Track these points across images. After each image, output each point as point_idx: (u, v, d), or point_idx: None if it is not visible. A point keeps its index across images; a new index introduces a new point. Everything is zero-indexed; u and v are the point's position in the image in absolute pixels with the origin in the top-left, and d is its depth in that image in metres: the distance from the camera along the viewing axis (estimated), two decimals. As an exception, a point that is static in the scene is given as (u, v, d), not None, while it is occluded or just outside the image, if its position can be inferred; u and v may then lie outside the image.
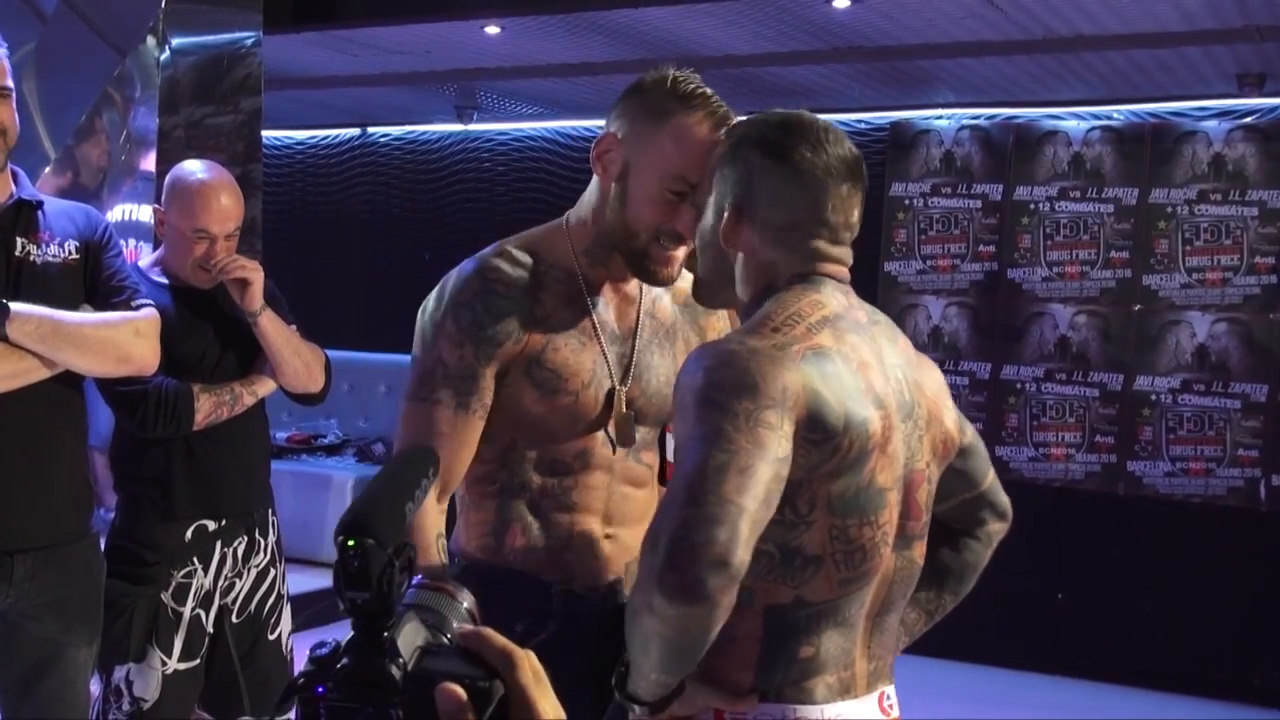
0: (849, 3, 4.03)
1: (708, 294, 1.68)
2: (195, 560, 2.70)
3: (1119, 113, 5.23)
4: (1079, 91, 5.14)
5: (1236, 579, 5.02)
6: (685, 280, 1.91)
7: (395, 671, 0.79)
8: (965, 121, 5.44)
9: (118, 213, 3.78)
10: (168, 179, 2.78)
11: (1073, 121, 5.28)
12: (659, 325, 1.94)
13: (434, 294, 1.84)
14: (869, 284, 5.35)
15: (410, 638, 0.82)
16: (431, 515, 1.74)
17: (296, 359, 2.75)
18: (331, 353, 2.92)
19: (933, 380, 1.61)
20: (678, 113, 1.74)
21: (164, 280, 2.76)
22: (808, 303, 1.48)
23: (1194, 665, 5.03)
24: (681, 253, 1.81)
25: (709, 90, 1.77)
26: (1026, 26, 4.24)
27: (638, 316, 1.91)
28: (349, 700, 0.79)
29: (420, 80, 5.59)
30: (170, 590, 2.68)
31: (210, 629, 2.74)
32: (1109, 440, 5.20)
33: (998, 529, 1.74)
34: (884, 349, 1.52)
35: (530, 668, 0.79)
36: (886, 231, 5.48)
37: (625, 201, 1.79)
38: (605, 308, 1.88)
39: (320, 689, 0.79)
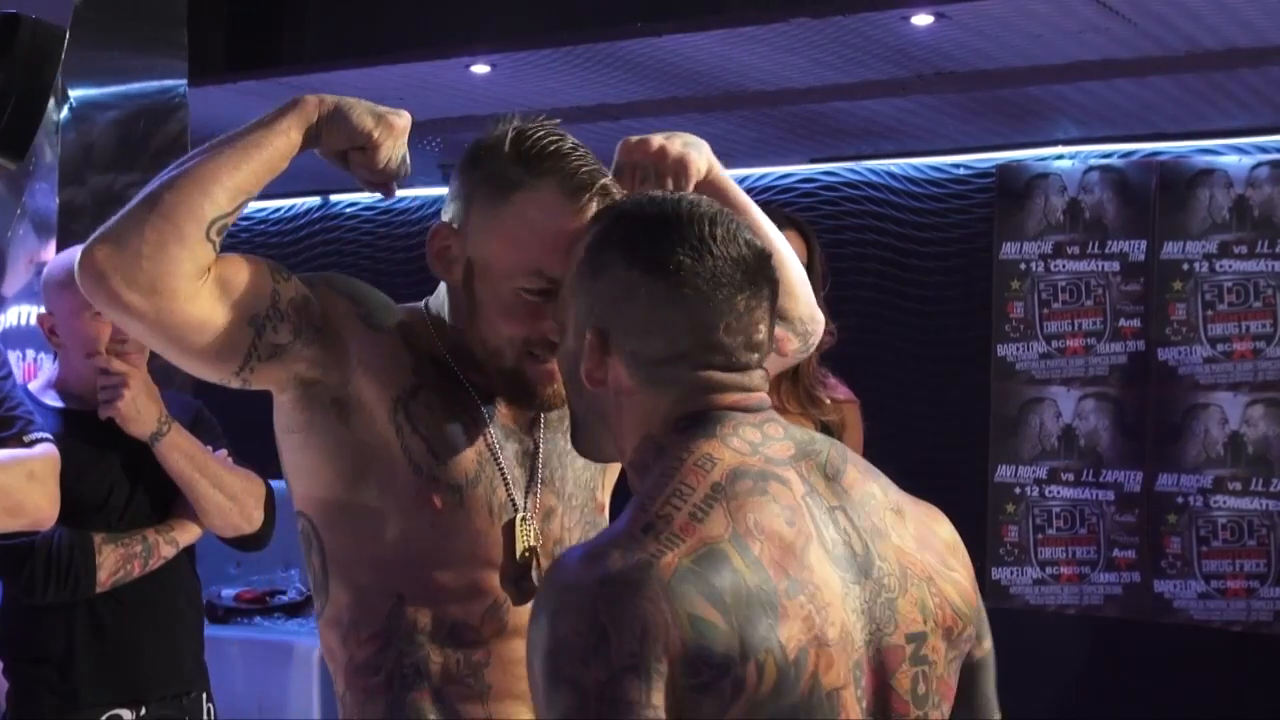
0: (931, 19, 4.07)
1: (588, 443, 1.60)
2: (108, 764, 2.70)
3: (1293, 143, 5.26)
4: (1238, 119, 5.16)
5: None
6: None
7: None
8: (1093, 161, 5.45)
9: (11, 316, 3.79)
10: (46, 275, 2.82)
11: (1233, 156, 5.28)
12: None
13: None
14: (979, 375, 5.30)
15: None
16: None
17: (216, 493, 2.77)
18: (282, 484, 2.88)
19: (922, 534, 1.52)
20: (524, 184, 1.65)
21: (58, 403, 2.78)
22: (694, 464, 1.42)
23: None
24: None
25: (570, 144, 1.67)
26: (1163, 40, 4.27)
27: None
28: None
29: (393, 134, 5.63)
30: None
31: None
32: (1304, 569, 5.13)
33: None
34: (817, 493, 1.45)
35: None
36: (998, 306, 5.37)
37: (475, 312, 1.71)
38: (492, 402, 1.77)
39: None
